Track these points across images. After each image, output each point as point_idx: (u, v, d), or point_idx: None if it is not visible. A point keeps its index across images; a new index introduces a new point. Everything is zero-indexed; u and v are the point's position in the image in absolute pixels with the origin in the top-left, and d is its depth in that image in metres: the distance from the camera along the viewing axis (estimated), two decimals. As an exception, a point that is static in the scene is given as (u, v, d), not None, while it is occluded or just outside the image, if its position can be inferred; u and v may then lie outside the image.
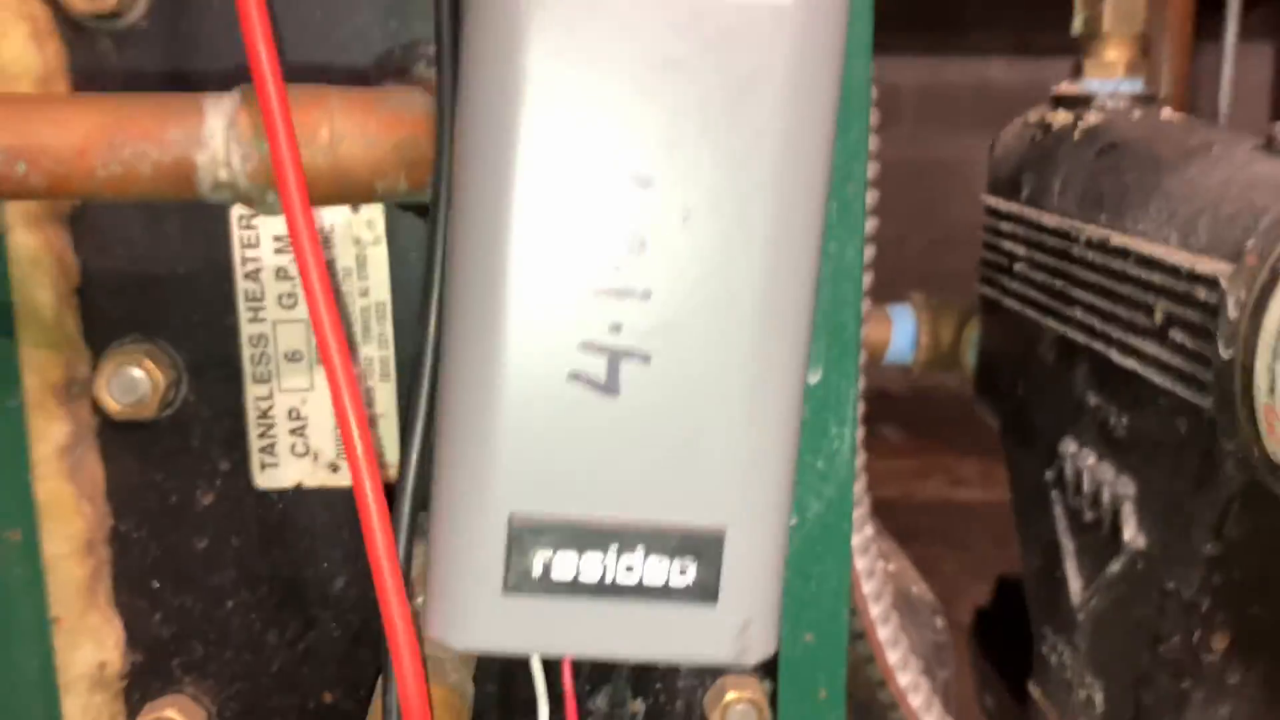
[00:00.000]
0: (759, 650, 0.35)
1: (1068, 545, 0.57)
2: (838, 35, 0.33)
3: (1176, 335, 0.47)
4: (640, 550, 0.33)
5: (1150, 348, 0.49)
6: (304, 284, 0.35)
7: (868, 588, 0.63)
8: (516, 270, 0.32)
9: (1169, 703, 0.50)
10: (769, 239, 0.33)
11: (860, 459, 0.60)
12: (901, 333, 0.82)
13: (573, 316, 0.32)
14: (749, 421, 0.33)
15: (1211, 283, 0.44)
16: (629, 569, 0.33)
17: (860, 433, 0.58)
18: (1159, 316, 0.48)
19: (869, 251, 0.56)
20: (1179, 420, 0.47)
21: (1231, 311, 0.43)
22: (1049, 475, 0.59)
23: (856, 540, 0.61)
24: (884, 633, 0.63)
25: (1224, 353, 0.43)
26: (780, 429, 0.34)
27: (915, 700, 0.64)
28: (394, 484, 0.40)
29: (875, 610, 0.63)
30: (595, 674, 0.55)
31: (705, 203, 0.32)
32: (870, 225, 0.56)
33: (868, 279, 0.57)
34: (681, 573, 0.33)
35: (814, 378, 0.51)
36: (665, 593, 0.33)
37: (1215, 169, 0.49)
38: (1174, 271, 0.47)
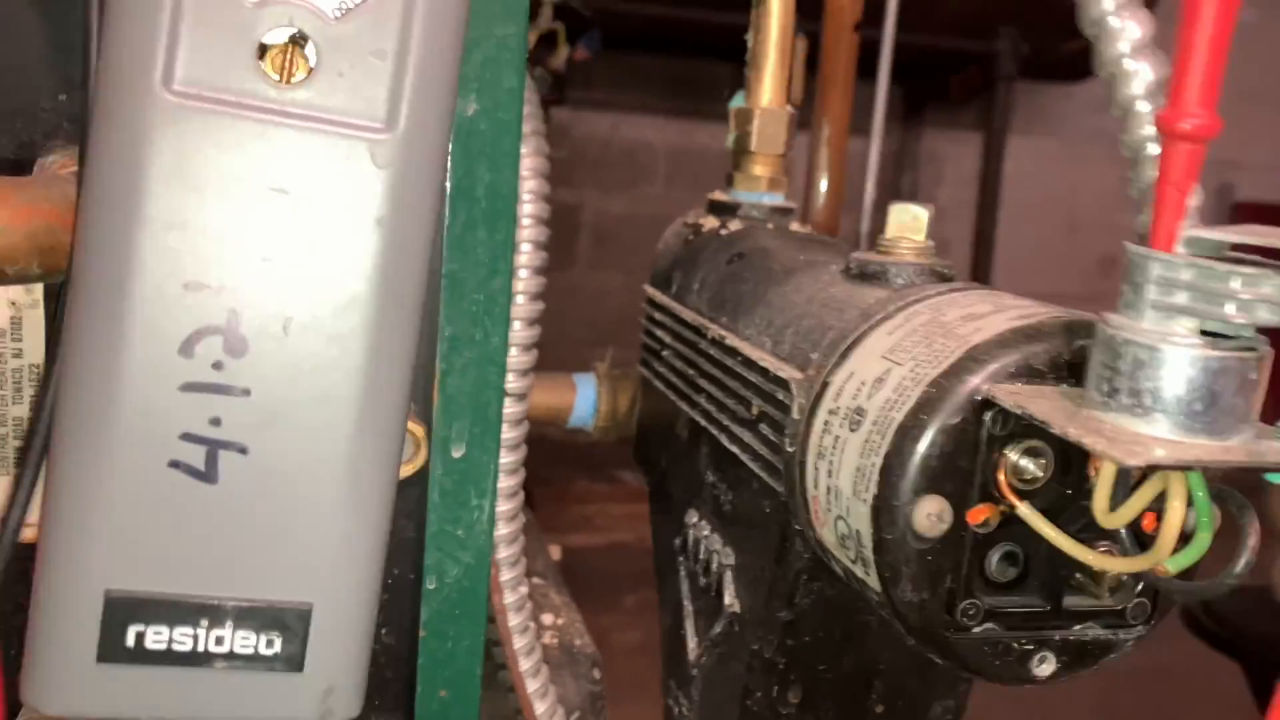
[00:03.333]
0: (342, 712, 0.39)
1: (688, 607, 0.64)
2: (436, 161, 0.38)
3: (764, 428, 0.54)
4: (230, 624, 0.36)
5: (747, 436, 0.56)
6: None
7: (519, 644, 0.67)
8: (126, 366, 0.35)
9: (754, 749, 0.57)
10: (365, 348, 0.37)
11: (515, 526, 0.65)
12: (583, 399, 0.88)
13: (175, 409, 0.36)
14: (339, 509, 0.37)
15: (787, 386, 0.52)
16: (219, 640, 0.36)
17: (512, 504, 0.63)
18: (754, 411, 0.55)
19: (531, 332, 0.61)
20: (764, 501, 0.55)
21: (795, 413, 0.50)
22: (678, 542, 0.66)
23: (511, 599, 0.66)
24: (533, 685, 0.68)
25: (789, 447, 0.50)
26: (369, 516, 0.38)
27: (561, 748, 0.69)
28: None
29: (525, 665, 0.68)
30: (241, 730, 0.58)
31: (305, 314, 0.36)
32: (534, 309, 0.62)
33: (531, 357, 0.63)
34: (269, 644, 0.37)
35: (457, 452, 0.56)
36: (254, 661, 0.37)
37: (805, 286, 0.57)
38: (764, 373, 0.54)
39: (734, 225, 0.70)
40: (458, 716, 0.58)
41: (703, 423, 0.62)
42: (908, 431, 0.42)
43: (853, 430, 0.45)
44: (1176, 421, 0.37)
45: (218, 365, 0.36)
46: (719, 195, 0.74)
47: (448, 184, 0.53)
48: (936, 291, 0.50)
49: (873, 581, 0.44)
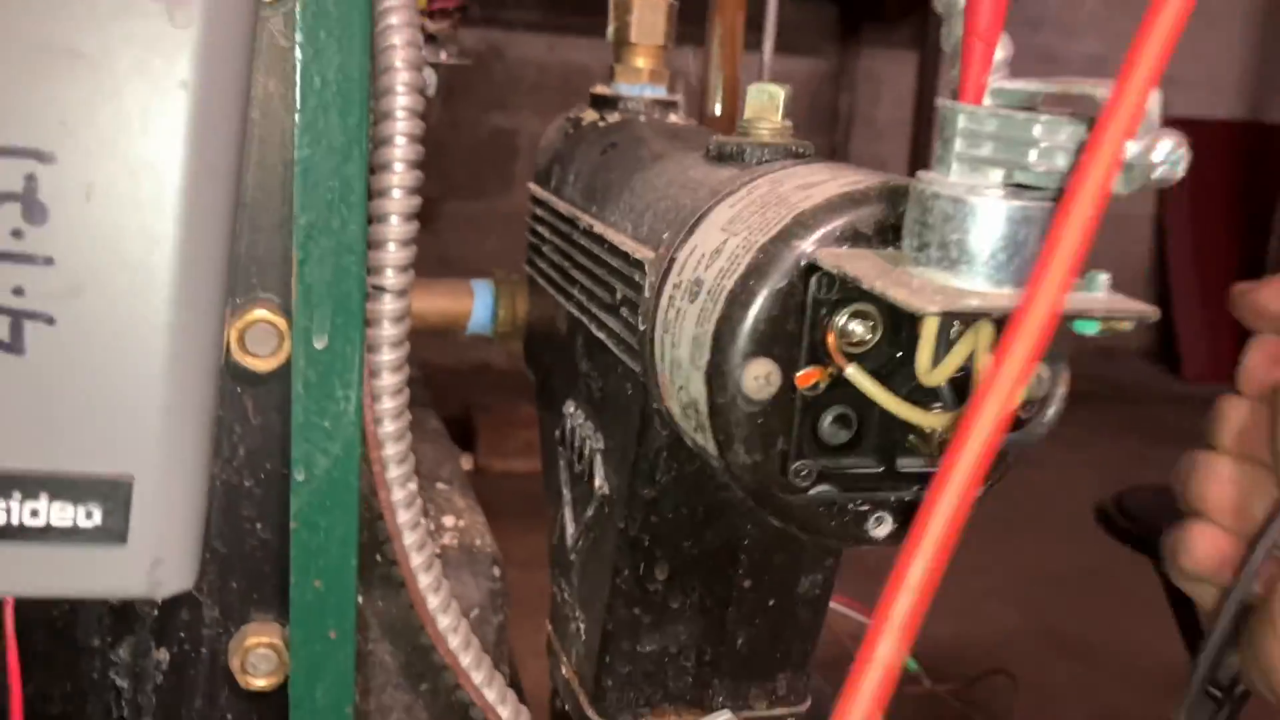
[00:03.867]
0: (171, 584, 0.39)
1: (566, 495, 0.65)
2: (244, 25, 0.37)
3: (624, 312, 0.54)
4: (45, 496, 0.36)
5: (612, 322, 0.56)
6: None
7: (408, 539, 0.68)
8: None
9: (626, 629, 0.58)
10: (176, 215, 0.37)
11: (400, 423, 0.65)
12: (481, 305, 0.88)
13: (-26, 281, 0.35)
14: (156, 379, 0.37)
15: (642, 267, 0.52)
16: (34, 513, 0.36)
17: (396, 401, 0.63)
18: (618, 296, 0.56)
19: (409, 228, 0.61)
20: (627, 384, 0.55)
21: (647, 292, 0.51)
22: (558, 433, 0.66)
23: (399, 495, 0.66)
24: (424, 580, 0.68)
25: (642, 326, 0.51)
26: (188, 385, 0.38)
27: (453, 642, 0.70)
28: None
29: (416, 560, 0.68)
30: (117, 624, 0.58)
31: (109, 180, 0.36)
32: (410, 203, 0.61)
33: (410, 253, 0.62)
34: (88, 516, 0.37)
35: (320, 343, 0.56)
36: (73, 534, 0.37)
37: (668, 171, 0.57)
38: (625, 257, 0.55)
39: (613, 118, 0.70)
40: (334, 606, 0.59)
41: (577, 314, 0.63)
42: (737, 297, 0.43)
43: (691, 301, 0.46)
44: (983, 273, 0.38)
45: (16, 233, 0.35)
46: (600, 88, 0.73)
47: (296, 67, 0.52)
48: (782, 166, 0.50)
49: (711, 447, 0.45)
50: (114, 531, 0.37)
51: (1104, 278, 0.39)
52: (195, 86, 0.36)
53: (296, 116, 0.53)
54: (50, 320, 0.36)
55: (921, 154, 3.60)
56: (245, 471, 0.58)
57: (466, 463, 1.08)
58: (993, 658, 2.03)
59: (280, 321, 0.56)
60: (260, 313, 0.56)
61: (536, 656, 0.80)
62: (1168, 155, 0.33)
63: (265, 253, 0.56)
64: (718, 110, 0.98)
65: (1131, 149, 0.33)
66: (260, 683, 0.60)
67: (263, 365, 0.56)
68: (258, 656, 0.60)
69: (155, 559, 0.38)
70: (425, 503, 0.86)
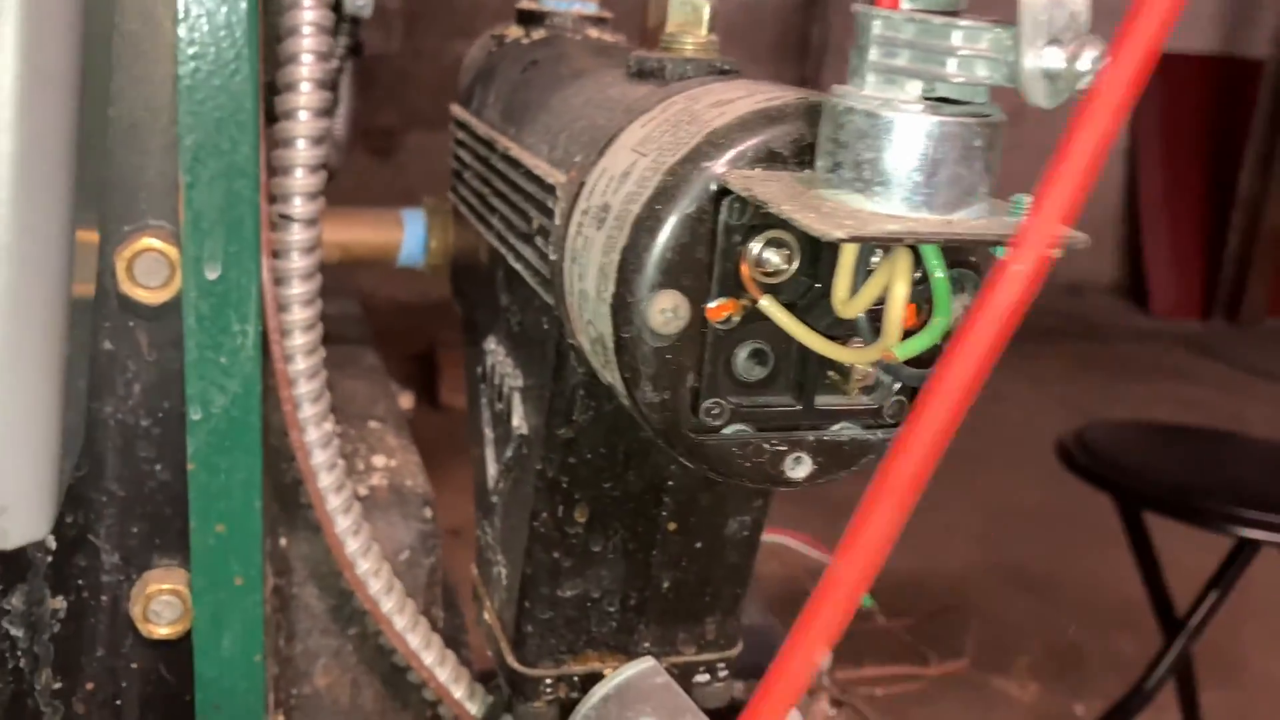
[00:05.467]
0: (20, 534, 0.36)
1: (488, 435, 0.62)
2: None
3: (539, 241, 0.51)
4: None
5: (527, 252, 0.53)
6: None
7: (324, 481, 0.65)
8: None
9: (545, 574, 0.55)
10: (8, 126, 0.33)
11: (314, 360, 0.61)
12: (412, 236, 0.84)
13: None
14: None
15: (555, 192, 0.49)
16: None
17: (309, 336, 0.59)
18: (534, 223, 0.52)
19: (317, 151, 0.57)
20: (543, 318, 0.52)
21: (558, 219, 0.47)
22: (479, 370, 0.63)
23: (314, 435, 0.63)
24: (342, 524, 0.65)
25: (553, 256, 0.48)
26: (27, 316, 0.35)
27: (374, 587, 0.67)
28: None
29: (333, 503, 0.65)
30: (8, 572, 0.55)
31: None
32: (319, 125, 0.57)
33: (320, 178, 0.58)
34: (-86, 461, 0.34)
35: (212, 274, 0.52)
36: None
37: (586, 89, 0.53)
38: (539, 181, 0.51)
39: (538, 34, 0.66)
40: (238, 552, 0.56)
41: (496, 244, 0.59)
42: (643, 224, 0.39)
43: (598, 228, 0.42)
44: (899, 195, 0.34)
45: None
46: (526, 3, 0.69)
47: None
48: (700, 83, 0.46)
49: (619, 384, 0.42)
50: (-53, 478, 0.34)
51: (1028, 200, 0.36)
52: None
53: (179, 27, 0.49)
54: None
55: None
56: (141, 410, 0.55)
57: (406, 401, 1.05)
58: (952, 593, 2.04)
59: (171, 250, 0.52)
60: (149, 241, 0.52)
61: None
62: (1094, 65, 0.30)
63: (154, 177, 0.53)
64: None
65: (1055, 57, 0.30)
66: (164, 631, 0.57)
67: (154, 297, 0.53)
68: (160, 604, 0.57)
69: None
70: (356, 443, 0.83)
